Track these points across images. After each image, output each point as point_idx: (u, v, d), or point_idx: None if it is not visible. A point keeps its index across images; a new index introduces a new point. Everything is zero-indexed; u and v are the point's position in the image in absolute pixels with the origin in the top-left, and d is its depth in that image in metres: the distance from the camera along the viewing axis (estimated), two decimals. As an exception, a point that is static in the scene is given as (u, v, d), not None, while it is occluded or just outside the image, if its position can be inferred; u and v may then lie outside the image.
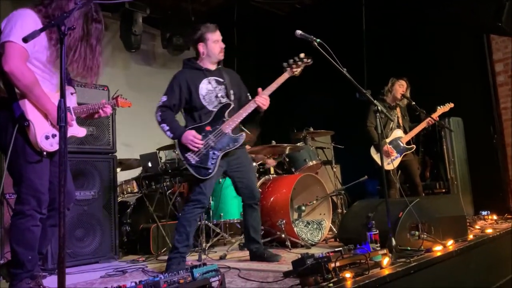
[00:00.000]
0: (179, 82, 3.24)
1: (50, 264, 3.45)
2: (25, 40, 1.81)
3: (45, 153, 2.43)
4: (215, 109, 3.23)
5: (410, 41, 5.91)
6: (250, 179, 3.38)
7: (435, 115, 4.66)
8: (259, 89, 3.28)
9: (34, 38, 1.83)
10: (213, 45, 3.29)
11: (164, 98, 3.20)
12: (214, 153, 3.14)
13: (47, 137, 2.42)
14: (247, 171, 3.36)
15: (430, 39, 5.82)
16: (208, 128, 3.18)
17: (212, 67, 3.35)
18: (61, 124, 1.80)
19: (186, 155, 3.11)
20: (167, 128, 3.14)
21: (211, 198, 4.19)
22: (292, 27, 3.15)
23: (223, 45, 3.33)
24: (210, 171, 3.11)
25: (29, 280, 2.46)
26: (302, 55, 3.30)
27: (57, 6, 2.37)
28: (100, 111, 2.77)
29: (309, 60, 3.32)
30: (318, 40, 2.96)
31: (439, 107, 4.73)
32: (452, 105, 4.75)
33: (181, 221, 3.12)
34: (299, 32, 3.01)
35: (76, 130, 2.71)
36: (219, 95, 3.28)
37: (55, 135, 2.44)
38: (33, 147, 2.40)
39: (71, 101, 2.63)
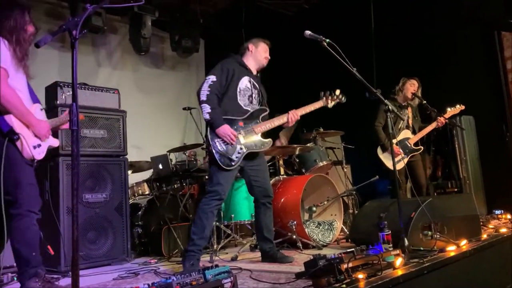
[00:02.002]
0: (227, 66, 3.31)
1: (63, 266, 3.48)
2: (37, 45, 1.84)
3: (35, 161, 2.68)
4: (248, 108, 3.34)
5: (420, 39, 5.87)
6: (266, 178, 3.46)
7: (445, 117, 4.61)
8: (293, 109, 3.44)
9: (47, 43, 1.85)
10: (262, 51, 3.50)
11: (213, 77, 3.21)
12: (241, 148, 3.21)
13: (34, 147, 2.69)
14: (263, 171, 3.44)
15: (440, 37, 5.76)
16: (241, 123, 3.27)
17: (254, 71, 3.50)
18: (73, 127, 1.82)
19: (215, 140, 3.15)
20: (209, 110, 3.13)
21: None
22: (300, 27, 3.15)
23: (269, 57, 3.53)
24: (233, 163, 3.16)
25: (36, 279, 2.60)
26: (338, 91, 3.61)
27: (17, 39, 2.63)
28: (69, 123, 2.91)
29: (343, 99, 3.66)
30: (327, 40, 2.95)
31: (449, 109, 4.68)
32: (462, 107, 4.71)
33: (198, 213, 3.15)
34: (308, 32, 3.02)
35: (52, 141, 2.89)
36: (253, 96, 3.40)
37: (40, 145, 2.72)
38: (24, 157, 2.63)
39: (42, 116, 2.86)
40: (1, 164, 2.50)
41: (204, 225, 3.12)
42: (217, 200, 3.17)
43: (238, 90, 3.31)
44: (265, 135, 3.38)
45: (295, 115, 3.42)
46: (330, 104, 3.60)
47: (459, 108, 4.70)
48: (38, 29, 2.87)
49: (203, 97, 3.15)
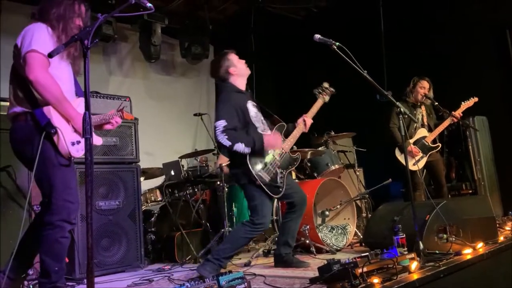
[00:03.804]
0: (233, 104, 3.18)
1: (77, 273, 3.51)
2: (50, 55, 1.86)
3: (72, 159, 2.50)
4: (267, 131, 3.29)
5: (430, 40, 5.82)
6: (294, 183, 3.51)
7: (459, 111, 4.57)
8: (304, 115, 3.45)
9: (59, 53, 1.88)
10: (239, 63, 3.36)
11: (223, 123, 3.06)
12: (281, 172, 3.23)
13: (73, 143, 2.49)
14: (291, 179, 3.47)
15: (451, 37, 5.71)
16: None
17: (244, 88, 3.42)
18: (86, 136, 1.84)
19: (259, 173, 3.10)
20: (242, 146, 3.02)
21: (234, 205, 4.21)
22: (309, 31, 3.15)
23: (243, 60, 3.43)
24: (280, 189, 3.19)
25: None
26: (326, 84, 3.55)
27: (64, 27, 2.51)
28: (112, 121, 2.83)
29: (332, 89, 3.58)
30: (337, 43, 2.94)
31: (463, 102, 4.63)
32: (476, 99, 4.65)
33: (236, 237, 3.13)
34: (317, 36, 3.01)
35: (95, 139, 2.67)
36: (260, 118, 3.36)
37: (79, 142, 2.51)
38: (61, 154, 2.45)
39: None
40: (35, 162, 2.33)
41: (237, 248, 3.16)
42: (262, 231, 3.22)
43: (252, 120, 3.23)
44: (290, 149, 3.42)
45: (309, 120, 3.44)
46: (327, 98, 3.56)
47: (472, 100, 4.64)
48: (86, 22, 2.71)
49: (228, 143, 3.02)
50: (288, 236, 3.38)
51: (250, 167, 3.08)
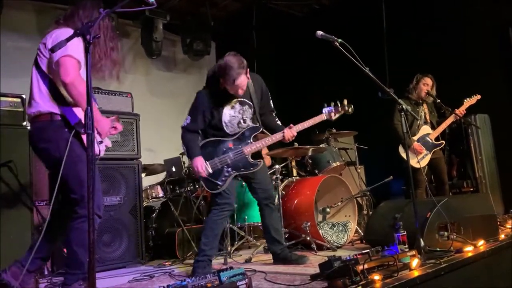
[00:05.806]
0: (203, 108, 3.18)
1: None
2: (52, 50, 1.86)
3: (98, 158, 2.59)
4: (237, 132, 3.26)
5: (433, 37, 5.80)
6: (265, 179, 3.41)
7: (462, 108, 4.57)
8: (291, 125, 3.29)
9: (61, 48, 1.88)
10: (233, 85, 3.10)
11: (188, 120, 3.20)
12: (227, 171, 3.19)
13: (98, 142, 2.60)
14: (261, 173, 3.36)
15: (453, 34, 5.69)
16: (230, 145, 3.23)
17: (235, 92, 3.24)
18: (88, 131, 1.84)
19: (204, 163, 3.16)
20: (186, 151, 3.23)
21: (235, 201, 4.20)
22: (311, 28, 3.14)
23: (244, 87, 3.16)
24: (218, 187, 3.17)
25: (82, 282, 2.55)
26: (345, 101, 3.38)
27: (86, 17, 2.60)
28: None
29: (350, 110, 3.40)
30: (339, 40, 2.93)
31: (466, 100, 4.64)
32: (479, 96, 4.65)
33: (209, 224, 3.17)
34: (320, 32, 3.00)
35: (107, 141, 2.79)
36: (242, 119, 3.27)
37: (102, 142, 2.65)
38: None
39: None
40: (63, 160, 2.36)
41: (215, 236, 3.16)
42: (228, 211, 3.24)
43: (223, 124, 3.22)
44: (259, 154, 3.34)
45: (292, 132, 3.26)
46: (334, 116, 3.39)
47: (475, 98, 4.65)
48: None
49: (182, 140, 3.22)
50: (270, 231, 3.37)
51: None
